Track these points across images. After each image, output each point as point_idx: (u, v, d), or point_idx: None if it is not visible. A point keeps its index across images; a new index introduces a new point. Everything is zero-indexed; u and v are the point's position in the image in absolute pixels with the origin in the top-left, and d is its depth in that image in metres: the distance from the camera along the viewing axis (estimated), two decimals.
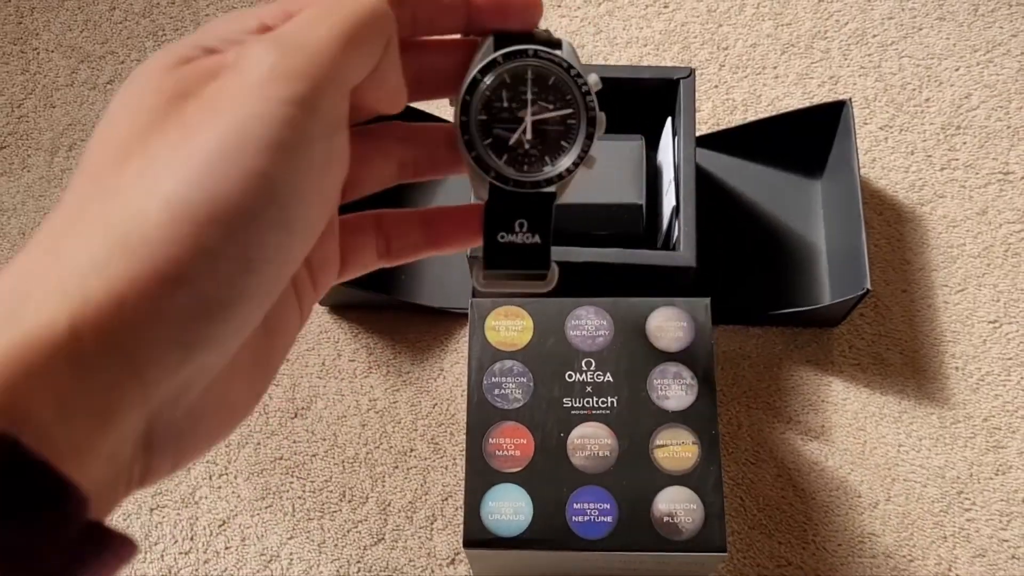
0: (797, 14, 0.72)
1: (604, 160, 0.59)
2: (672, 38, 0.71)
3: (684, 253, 0.54)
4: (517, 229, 0.29)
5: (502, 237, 0.29)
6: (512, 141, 0.28)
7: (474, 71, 0.27)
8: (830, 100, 0.63)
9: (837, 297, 0.60)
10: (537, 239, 0.29)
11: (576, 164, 0.28)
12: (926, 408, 0.59)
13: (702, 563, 0.49)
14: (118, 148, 0.21)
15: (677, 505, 0.48)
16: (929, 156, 0.66)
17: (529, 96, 0.28)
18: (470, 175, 0.28)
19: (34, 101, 0.70)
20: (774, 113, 0.65)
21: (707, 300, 0.52)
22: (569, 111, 0.28)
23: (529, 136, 0.28)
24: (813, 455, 0.58)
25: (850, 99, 0.61)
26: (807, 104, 0.67)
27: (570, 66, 0.28)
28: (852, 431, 0.59)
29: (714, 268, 0.61)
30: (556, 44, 0.28)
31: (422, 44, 0.27)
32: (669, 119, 0.60)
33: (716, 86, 0.69)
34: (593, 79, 0.28)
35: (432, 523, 0.57)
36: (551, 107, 0.28)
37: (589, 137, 0.28)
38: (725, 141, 0.65)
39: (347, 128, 0.23)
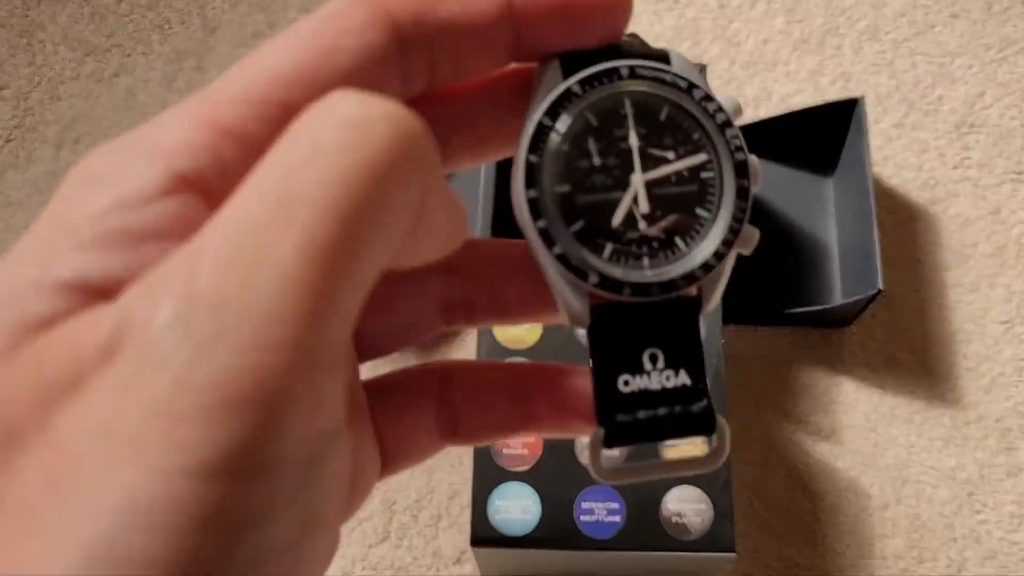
0: (809, 10, 0.71)
1: None
2: (683, 34, 0.70)
3: None
4: (648, 366, 0.18)
5: (625, 384, 0.18)
6: (618, 221, 0.18)
7: (537, 115, 0.17)
8: (842, 97, 0.62)
9: (848, 297, 0.59)
10: (685, 379, 0.19)
11: (728, 244, 0.18)
12: (938, 409, 0.59)
13: (711, 563, 0.48)
14: None
15: (686, 505, 0.47)
16: (942, 154, 0.66)
17: (634, 142, 0.18)
18: (553, 287, 0.18)
19: (40, 94, 0.69)
20: (785, 110, 0.65)
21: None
22: (703, 158, 0.18)
23: (644, 208, 0.18)
24: (823, 456, 0.58)
25: (863, 97, 0.61)
26: (818, 101, 0.66)
27: (691, 85, 0.18)
28: (863, 432, 0.58)
29: None
30: (661, 56, 0.18)
31: (445, 94, 0.18)
32: None
33: (727, 82, 0.68)
34: (731, 103, 0.18)
35: (437, 522, 0.57)
36: (671, 155, 0.18)
37: (741, 196, 0.18)
38: None
39: (344, 428, 0.14)
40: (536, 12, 0.17)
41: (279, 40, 0.16)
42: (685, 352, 0.18)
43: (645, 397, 0.19)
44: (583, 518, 0.47)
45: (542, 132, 0.17)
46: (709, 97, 0.18)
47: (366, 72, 0.15)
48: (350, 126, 0.12)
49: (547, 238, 0.17)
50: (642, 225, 0.18)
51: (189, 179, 0.14)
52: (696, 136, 0.18)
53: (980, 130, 0.66)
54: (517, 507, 0.48)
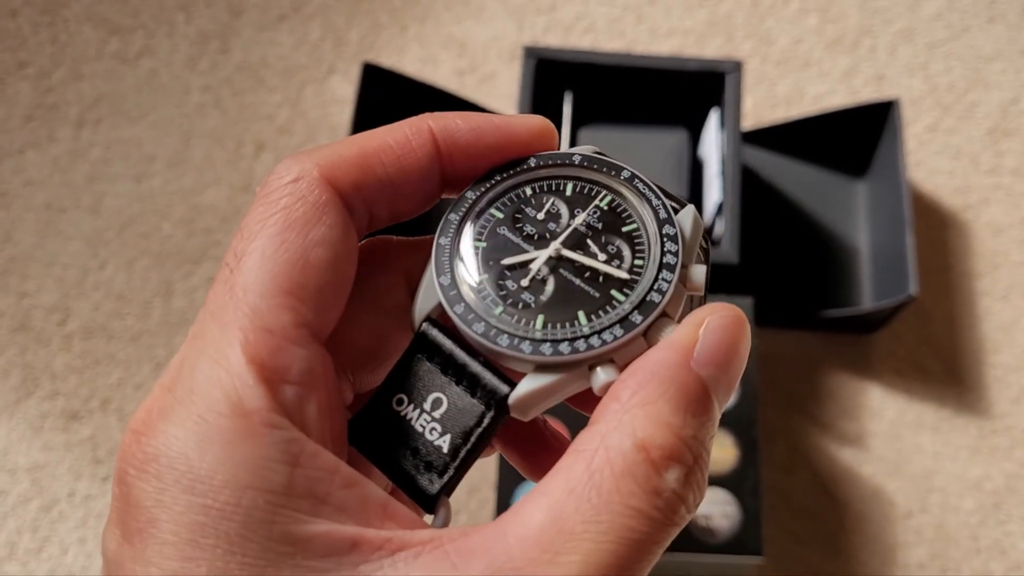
0: (844, 10, 0.70)
1: (647, 151, 0.58)
2: (715, 30, 0.69)
3: (727, 250, 0.52)
4: (427, 405, 0.19)
5: (398, 403, 0.19)
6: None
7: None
8: (875, 99, 0.62)
9: (878, 301, 0.58)
10: (443, 447, 0.19)
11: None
12: (965, 418, 0.58)
13: (737, 566, 0.47)
14: None
15: (714, 507, 0.47)
16: (975, 160, 0.65)
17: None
18: (424, 279, 0.20)
19: (63, 73, 0.68)
20: (817, 110, 0.64)
21: (750, 299, 0.51)
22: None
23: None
24: (848, 462, 0.57)
25: (898, 99, 0.60)
26: (851, 102, 0.65)
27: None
28: (889, 439, 0.58)
29: (754, 267, 0.60)
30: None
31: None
32: (713, 112, 0.58)
33: (759, 80, 0.67)
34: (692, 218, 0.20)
35: (456, 516, 0.56)
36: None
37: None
38: (768, 137, 0.64)
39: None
40: (466, 154, 0.20)
41: (256, 254, 0.18)
42: (462, 427, 0.18)
43: (403, 427, 0.19)
44: None
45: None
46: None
47: (339, 249, 0.18)
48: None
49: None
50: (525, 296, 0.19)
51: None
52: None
53: (1014, 136, 0.65)
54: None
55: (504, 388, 0.18)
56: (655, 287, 0.19)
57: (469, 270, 0.19)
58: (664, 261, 0.19)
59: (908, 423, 0.58)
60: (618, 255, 0.19)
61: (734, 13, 0.70)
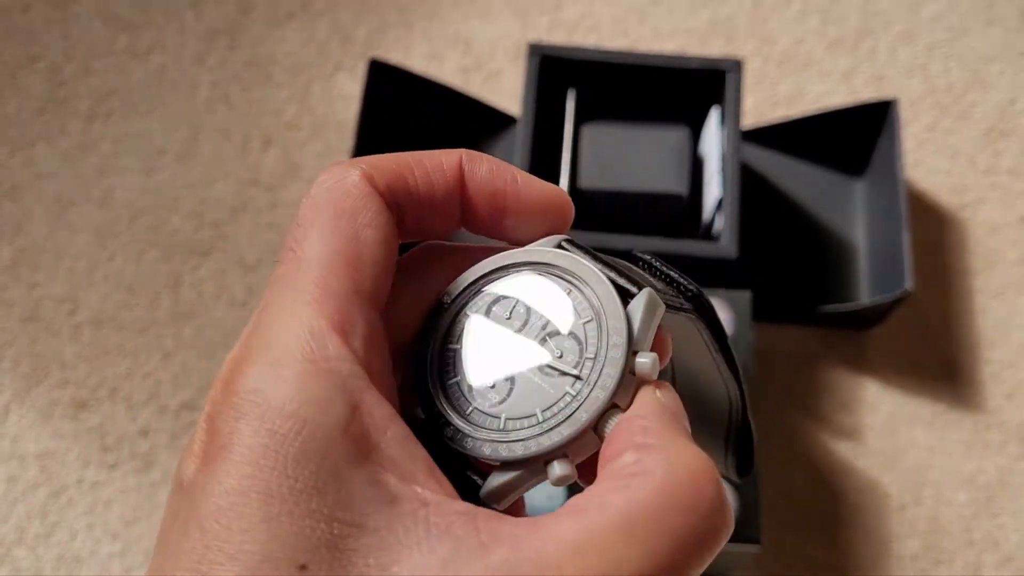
0: (844, 11, 0.71)
1: (648, 148, 0.59)
2: (717, 30, 0.70)
3: (726, 245, 0.53)
4: None
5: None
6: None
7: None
8: (875, 99, 0.63)
9: (874, 297, 0.59)
10: None
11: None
12: (959, 413, 0.59)
13: (735, 554, 0.48)
14: None
15: None
16: (972, 160, 0.66)
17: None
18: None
19: (74, 67, 0.69)
20: (817, 109, 0.65)
21: (748, 293, 0.52)
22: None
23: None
24: (844, 455, 0.58)
25: (897, 99, 0.61)
26: (851, 102, 0.66)
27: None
28: (884, 433, 0.59)
29: (752, 263, 0.61)
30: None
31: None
32: (714, 109, 0.59)
33: (760, 80, 0.68)
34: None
35: None
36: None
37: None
38: (768, 135, 0.64)
39: None
40: (480, 191, 0.22)
41: (314, 236, 0.20)
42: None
43: None
44: None
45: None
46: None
47: (385, 231, 0.20)
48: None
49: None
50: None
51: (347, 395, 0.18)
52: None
53: (1011, 136, 0.66)
54: (542, 494, 0.48)
55: (479, 483, 0.20)
56: (599, 383, 0.19)
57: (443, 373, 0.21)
58: (608, 356, 0.19)
59: (903, 417, 0.59)
60: (571, 350, 0.20)
61: (736, 14, 0.71)
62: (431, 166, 0.22)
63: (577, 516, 0.17)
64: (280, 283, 0.20)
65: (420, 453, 0.18)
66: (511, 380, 0.20)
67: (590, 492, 0.18)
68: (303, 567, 0.16)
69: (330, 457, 0.17)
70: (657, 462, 0.18)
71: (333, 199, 0.20)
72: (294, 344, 0.18)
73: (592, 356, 0.20)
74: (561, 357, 0.20)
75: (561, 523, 0.17)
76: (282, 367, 0.18)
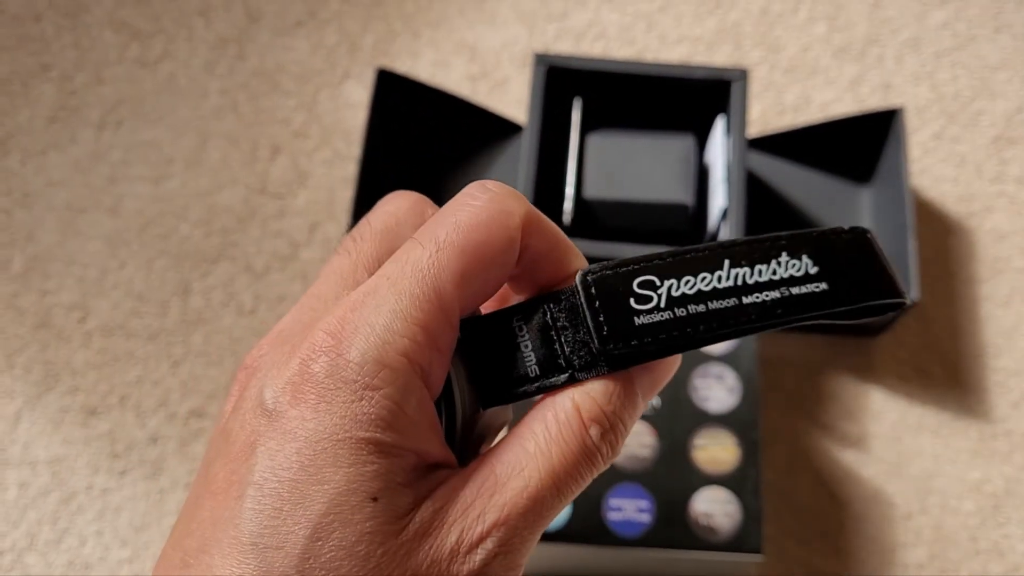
0: (851, 19, 0.71)
1: (654, 157, 0.59)
2: (724, 37, 0.71)
3: None
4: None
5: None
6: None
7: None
8: (882, 106, 0.63)
9: None
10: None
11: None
12: (965, 421, 0.59)
13: (737, 564, 0.49)
14: None
15: (715, 505, 0.48)
16: (979, 168, 0.66)
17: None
18: None
19: (85, 76, 0.70)
20: (824, 117, 0.65)
21: None
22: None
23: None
24: (849, 464, 0.58)
25: (903, 107, 0.61)
26: (858, 109, 0.66)
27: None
28: (889, 441, 0.59)
29: None
30: None
31: None
32: (720, 119, 0.59)
33: (767, 88, 0.68)
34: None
35: None
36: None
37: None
38: (774, 144, 0.65)
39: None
40: (535, 241, 0.23)
41: (451, 248, 0.22)
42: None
43: (509, 338, 0.23)
44: (611, 515, 0.48)
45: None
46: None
47: (504, 277, 0.22)
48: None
49: None
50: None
51: (424, 373, 0.21)
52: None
53: (1018, 144, 0.66)
54: None
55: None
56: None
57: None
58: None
59: (909, 426, 0.59)
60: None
61: (743, 21, 0.71)
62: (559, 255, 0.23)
63: (513, 441, 0.22)
64: (409, 266, 0.21)
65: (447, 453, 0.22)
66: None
67: (526, 420, 0.23)
68: (375, 499, 0.20)
69: (388, 420, 0.20)
70: (567, 401, 0.22)
71: (474, 211, 0.22)
72: (400, 328, 0.21)
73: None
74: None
75: (503, 450, 0.22)
76: (375, 347, 0.20)
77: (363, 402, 0.20)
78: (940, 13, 0.71)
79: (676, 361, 0.23)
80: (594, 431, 0.22)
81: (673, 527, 0.47)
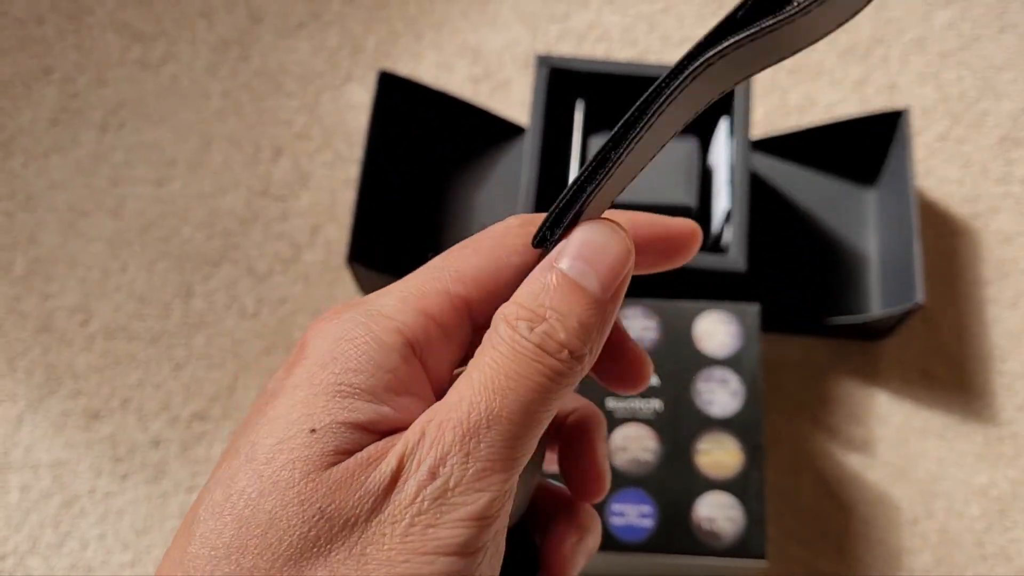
0: (856, 20, 0.70)
1: (657, 159, 0.59)
2: None
3: (735, 257, 0.53)
4: None
5: None
6: None
7: None
8: (887, 107, 0.62)
9: (886, 308, 0.59)
10: None
11: None
12: (971, 425, 0.59)
13: (740, 570, 0.48)
14: None
15: (718, 510, 0.47)
16: (985, 169, 0.65)
17: None
18: None
19: (87, 78, 0.70)
20: (829, 118, 0.65)
21: (757, 306, 0.52)
22: None
23: None
24: (854, 467, 0.58)
25: (908, 108, 0.61)
26: (863, 110, 0.66)
27: None
28: (895, 445, 0.58)
29: (761, 274, 0.61)
30: None
31: None
32: (723, 120, 0.59)
33: (771, 89, 0.68)
34: None
35: None
36: None
37: None
38: (778, 145, 0.64)
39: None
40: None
41: (467, 249, 0.23)
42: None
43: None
44: (614, 520, 0.48)
45: None
46: None
47: (519, 279, 0.23)
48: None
49: None
50: None
51: (415, 350, 0.22)
52: None
53: None
54: None
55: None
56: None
57: None
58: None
59: (915, 429, 0.58)
60: None
61: None
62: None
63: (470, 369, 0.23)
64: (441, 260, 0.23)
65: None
66: None
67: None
68: (312, 431, 0.20)
69: (370, 373, 0.21)
70: (499, 312, 0.22)
71: (493, 234, 0.24)
72: (380, 314, 0.22)
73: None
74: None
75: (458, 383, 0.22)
76: (359, 319, 0.22)
77: (338, 346, 0.21)
78: (945, 13, 0.70)
79: (601, 229, 0.22)
80: (522, 327, 0.21)
81: (676, 532, 0.47)
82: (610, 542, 0.47)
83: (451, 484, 0.19)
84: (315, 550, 0.19)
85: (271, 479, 0.20)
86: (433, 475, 0.19)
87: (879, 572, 0.55)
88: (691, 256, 0.26)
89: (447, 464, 0.19)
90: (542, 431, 0.21)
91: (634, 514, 0.48)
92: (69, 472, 0.58)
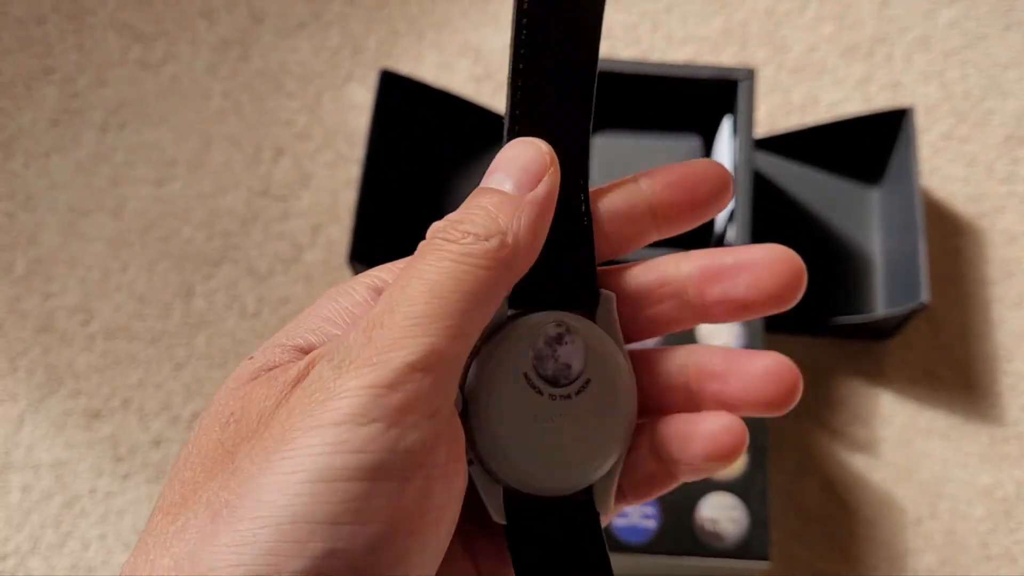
0: (860, 18, 0.70)
1: (660, 158, 0.58)
2: (730, 37, 0.70)
3: None
4: None
5: None
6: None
7: None
8: (890, 106, 0.62)
9: (891, 308, 0.58)
10: None
11: None
12: (976, 426, 0.58)
13: (743, 571, 0.48)
14: (185, 485, 0.20)
15: (721, 511, 0.47)
16: (990, 168, 0.65)
17: None
18: None
19: (87, 79, 0.70)
20: (832, 117, 0.64)
21: None
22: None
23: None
24: (858, 468, 0.57)
25: (912, 107, 0.60)
26: (866, 109, 0.66)
27: None
28: (899, 445, 0.58)
29: None
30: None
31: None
32: (726, 119, 0.59)
33: (774, 88, 0.68)
34: None
35: None
36: None
37: None
38: (782, 144, 0.64)
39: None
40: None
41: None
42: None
43: None
44: (617, 521, 0.47)
45: None
46: None
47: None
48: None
49: None
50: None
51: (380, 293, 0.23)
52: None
53: None
54: None
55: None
56: None
57: None
58: None
59: (919, 430, 0.58)
60: None
61: (749, 21, 0.70)
62: None
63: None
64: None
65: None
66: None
67: None
68: (251, 358, 0.22)
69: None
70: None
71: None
72: (363, 287, 0.24)
73: None
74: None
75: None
76: (343, 298, 0.24)
77: (316, 303, 0.23)
78: (949, 11, 0.70)
79: (514, 143, 0.23)
80: (440, 225, 0.22)
81: (679, 533, 0.47)
82: (613, 543, 0.47)
83: (348, 360, 0.19)
84: (223, 451, 0.20)
85: (209, 409, 0.21)
86: (332, 358, 0.20)
87: (883, 573, 0.55)
88: (724, 203, 0.25)
89: (350, 348, 0.20)
90: (463, 317, 0.20)
91: (637, 515, 0.47)
92: (70, 472, 0.58)
